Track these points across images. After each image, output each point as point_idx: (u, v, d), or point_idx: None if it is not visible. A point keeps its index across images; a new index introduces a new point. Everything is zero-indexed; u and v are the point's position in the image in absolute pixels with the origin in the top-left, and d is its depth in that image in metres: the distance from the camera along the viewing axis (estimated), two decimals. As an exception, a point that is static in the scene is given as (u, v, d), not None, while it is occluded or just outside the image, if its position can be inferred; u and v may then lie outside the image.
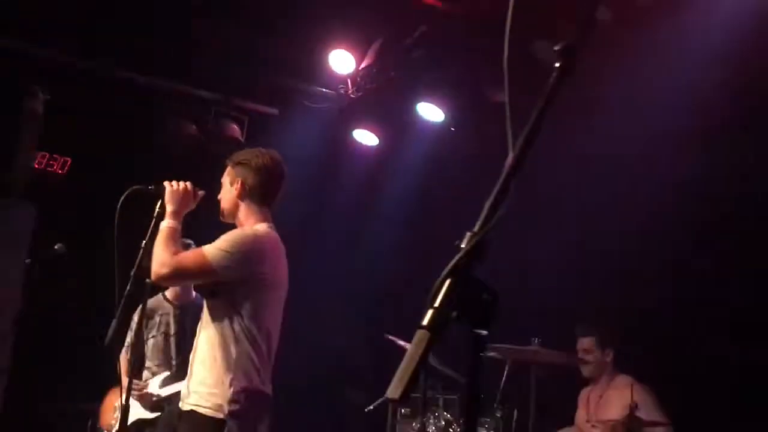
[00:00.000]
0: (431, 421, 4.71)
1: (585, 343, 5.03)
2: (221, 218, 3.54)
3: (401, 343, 4.84)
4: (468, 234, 1.26)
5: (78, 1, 5.51)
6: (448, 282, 1.22)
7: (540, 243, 5.78)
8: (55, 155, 6.63)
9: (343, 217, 6.98)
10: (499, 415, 4.61)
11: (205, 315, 3.38)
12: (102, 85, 6.29)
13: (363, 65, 6.10)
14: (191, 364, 3.38)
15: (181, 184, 3.43)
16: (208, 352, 3.31)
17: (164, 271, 3.26)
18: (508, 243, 6.20)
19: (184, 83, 6.55)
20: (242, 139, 6.56)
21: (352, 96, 6.34)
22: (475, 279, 1.23)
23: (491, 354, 4.83)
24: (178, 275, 3.36)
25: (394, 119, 6.59)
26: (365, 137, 6.79)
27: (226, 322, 3.30)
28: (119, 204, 3.34)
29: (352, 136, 6.80)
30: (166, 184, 3.41)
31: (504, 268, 6.14)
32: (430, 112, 6.19)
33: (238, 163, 3.53)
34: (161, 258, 3.27)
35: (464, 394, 1.24)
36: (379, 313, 6.94)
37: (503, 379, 4.92)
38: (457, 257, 1.23)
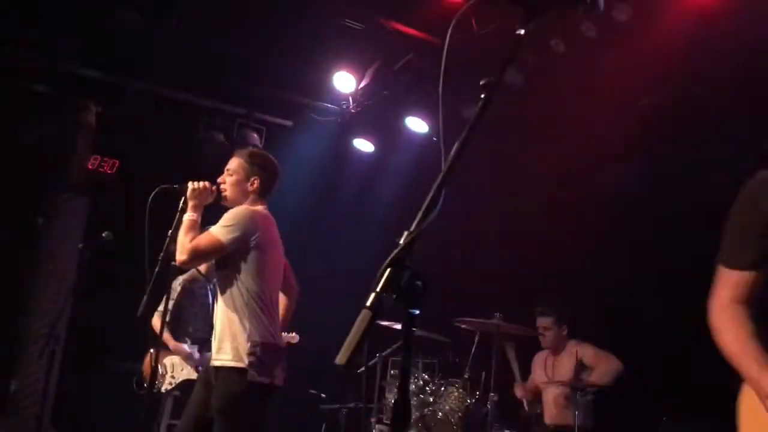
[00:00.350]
0: (411, 381, 4.74)
1: (544, 322, 5.10)
2: (223, 202, 3.56)
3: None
4: (405, 232, 1.30)
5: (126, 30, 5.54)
6: (388, 271, 1.26)
7: (502, 234, 5.80)
8: (105, 158, 6.66)
9: (344, 213, 7.00)
10: (466, 376, 4.64)
11: (220, 282, 3.44)
12: (147, 100, 6.35)
13: (361, 85, 6.14)
14: (215, 327, 3.44)
15: (201, 183, 3.47)
16: (225, 314, 3.37)
17: (184, 256, 3.32)
18: (480, 235, 6.27)
19: (214, 99, 6.59)
20: (261, 146, 6.58)
21: (352, 111, 6.39)
22: (410, 269, 1.27)
23: (463, 326, 4.88)
24: (196, 257, 3.38)
25: (386, 130, 6.62)
26: (363, 145, 6.82)
27: (236, 287, 3.36)
28: (150, 199, 3.38)
29: (353, 144, 6.83)
30: (189, 183, 3.46)
31: (474, 253, 6.21)
32: (417, 124, 6.23)
33: (256, 163, 3.57)
34: (182, 244, 3.34)
35: (402, 362, 1.27)
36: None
37: (473, 347, 4.97)
38: (395, 251, 1.26)
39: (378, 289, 1.24)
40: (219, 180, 3.57)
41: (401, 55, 5.73)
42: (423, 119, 6.14)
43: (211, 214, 3.56)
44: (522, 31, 1.42)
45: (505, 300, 4.93)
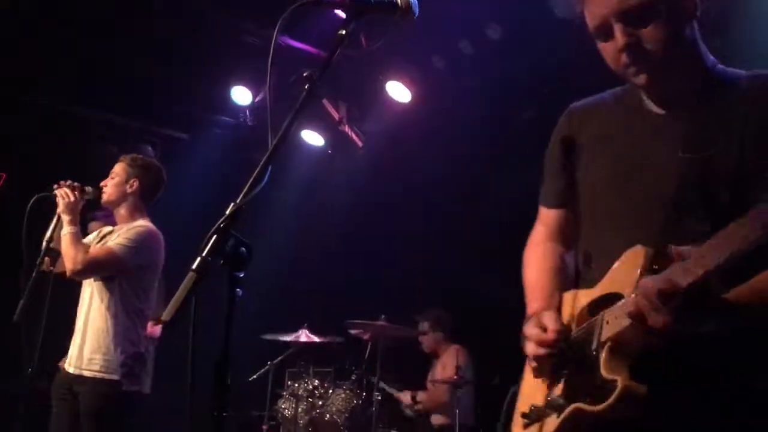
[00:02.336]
0: (302, 385, 4.86)
1: (423, 326, 5.38)
2: (103, 203, 3.61)
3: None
4: (232, 203, 1.46)
5: (12, 39, 5.45)
6: (214, 238, 1.40)
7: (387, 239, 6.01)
8: (-8, 171, 6.45)
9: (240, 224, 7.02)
10: (353, 378, 4.80)
11: (99, 292, 3.45)
12: (38, 113, 6.23)
13: (258, 98, 6.26)
14: (80, 333, 3.45)
15: (66, 188, 3.47)
16: (98, 324, 3.39)
17: (79, 267, 3.33)
18: (368, 241, 6.45)
19: (108, 112, 6.52)
20: (155, 158, 6.55)
21: (249, 124, 6.49)
22: (235, 236, 1.43)
23: (352, 330, 5.04)
24: (91, 269, 3.40)
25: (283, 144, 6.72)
26: (260, 158, 6.89)
27: (118, 299, 3.40)
28: (28, 207, 3.40)
29: (249, 158, 6.90)
30: (58, 196, 3.45)
31: (360, 260, 6.37)
32: (311, 137, 6.41)
33: (136, 165, 3.64)
34: (74, 257, 3.33)
35: (224, 322, 1.41)
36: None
37: (367, 350, 5.13)
38: (221, 220, 1.41)
39: (204, 254, 1.38)
40: (102, 183, 3.63)
41: (295, 70, 5.89)
42: (317, 132, 6.32)
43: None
44: (343, 31, 1.62)
45: (390, 303, 5.13)
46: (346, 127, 6.03)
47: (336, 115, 6.00)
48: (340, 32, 1.61)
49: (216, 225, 1.41)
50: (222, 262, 1.41)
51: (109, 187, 3.59)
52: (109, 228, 3.71)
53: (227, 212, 1.42)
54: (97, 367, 3.33)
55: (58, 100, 6.27)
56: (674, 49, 1.57)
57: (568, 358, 1.61)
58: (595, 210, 1.73)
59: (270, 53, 1.60)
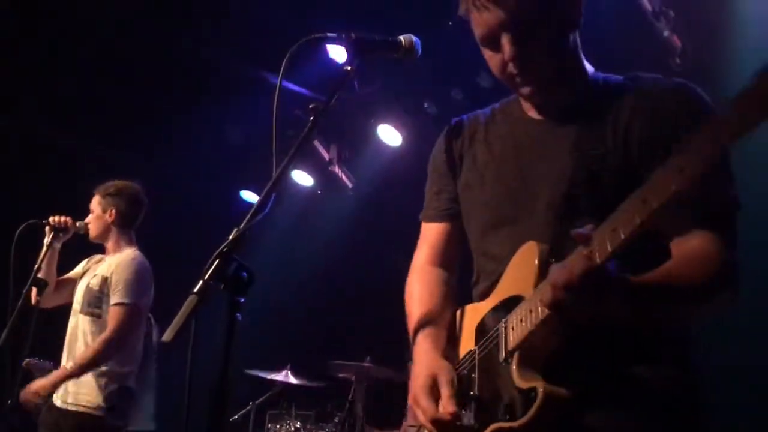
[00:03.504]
0: (284, 427, 4.80)
1: None
2: (91, 239, 3.61)
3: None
4: (235, 229, 1.48)
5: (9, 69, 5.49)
6: (216, 262, 1.42)
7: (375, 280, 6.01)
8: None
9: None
10: (336, 420, 4.75)
11: (87, 326, 3.42)
12: (22, 142, 6.24)
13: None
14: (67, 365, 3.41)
15: (59, 218, 3.49)
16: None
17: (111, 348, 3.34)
18: (355, 281, 6.44)
19: (99, 144, 6.54)
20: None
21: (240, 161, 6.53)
22: (237, 260, 1.44)
23: (340, 374, 5.00)
24: (122, 339, 3.40)
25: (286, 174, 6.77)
26: (250, 197, 6.91)
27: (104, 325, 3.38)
28: (17, 233, 3.38)
29: (240, 196, 6.93)
30: (49, 223, 3.47)
31: (346, 300, 6.33)
32: (302, 178, 6.47)
33: (109, 194, 3.64)
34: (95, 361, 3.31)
35: (222, 343, 1.42)
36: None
37: (351, 392, 5.07)
38: (224, 245, 1.43)
39: (206, 278, 1.39)
40: (86, 220, 3.63)
41: (289, 112, 5.97)
42: (307, 172, 6.38)
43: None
44: (349, 68, 1.68)
45: (376, 344, 5.10)
46: (337, 168, 6.10)
47: (326, 156, 6.07)
48: (345, 68, 1.66)
49: (218, 250, 1.42)
50: (223, 286, 1.42)
51: (91, 223, 3.60)
52: (98, 257, 3.70)
53: (230, 237, 1.44)
54: (82, 401, 3.28)
55: (43, 131, 6.29)
56: (560, 60, 1.58)
57: (471, 383, 1.54)
58: (485, 221, 1.69)
59: (279, 78, 1.64)
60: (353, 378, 5.00)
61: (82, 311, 3.46)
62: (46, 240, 3.45)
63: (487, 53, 1.60)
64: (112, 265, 3.50)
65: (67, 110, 5.99)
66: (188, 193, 6.76)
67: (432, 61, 4.33)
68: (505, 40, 1.52)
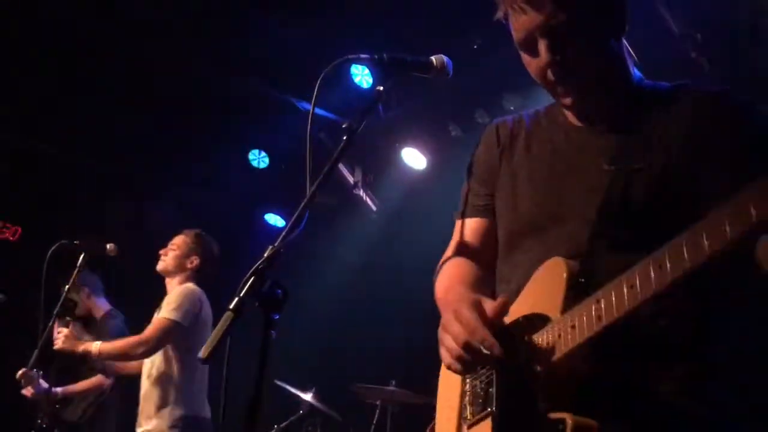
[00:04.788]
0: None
1: None
2: (160, 271, 3.70)
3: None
4: (270, 247, 1.49)
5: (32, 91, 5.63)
6: (251, 280, 1.43)
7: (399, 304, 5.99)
8: (8, 224, 6.53)
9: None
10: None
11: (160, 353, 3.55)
12: (54, 166, 6.37)
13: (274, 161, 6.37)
14: (148, 394, 3.49)
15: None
16: (156, 383, 3.52)
17: (142, 349, 3.48)
18: (379, 305, 6.41)
19: (125, 168, 6.64)
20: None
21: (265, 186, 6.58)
22: (271, 278, 1.45)
23: (367, 400, 4.95)
24: (155, 347, 3.53)
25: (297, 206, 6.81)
26: (274, 220, 6.94)
27: (172, 358, 3.53)
28: (48, 254, 3.46)
29: (264, 219, 6.96)
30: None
31: (370, 324, 6.30)
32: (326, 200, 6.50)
33: (199, 244, 3.75)
34: (133, 346, 3.48)
35: (258, 358, 1.42)
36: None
37: (375, 417, 5.02)
38: (259, 262, 1.45)
39: (241, 295, 1.41)
40: (161, 252, 3.72)
41: (314, 134, 6.03)
42: (332, 194, 6.40)
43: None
44: (381, 88, 1.70)
45: (400, 368, 5.06)
46: (361, 191, 6.12)
47: (351, 179, 6.10)
48: (378, 88, 1.68)
49: (253, 267, 1.43)
50: (258, 303, 1.43)
51: (169, 258, 3.69)
52: None
53: (265, 255, 1.45)
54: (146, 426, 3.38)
55: (76, 155, 6.40)
56: (600, 67, 1.53)
57: (488, 398, 1.45)
58: (513, 227, 1.65)
59: (313, 99, 1.66)
60: (378, 402, 4.95)
61: None
62: (79, 262, 3.53)
63: (526, 58, 1.56)
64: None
65: (97, 135, 6.09)
66: (214, 216, 6.83)
67: (456, 83, 4.35)
68: (542, 46, 1.49)
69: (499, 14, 1.56)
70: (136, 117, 5.94)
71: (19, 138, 6.10)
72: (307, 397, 4.87)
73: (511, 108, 4.85)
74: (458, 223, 1.82)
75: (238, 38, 5.23)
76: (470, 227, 1.77)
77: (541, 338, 1.39)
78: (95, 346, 3.43)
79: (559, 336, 1.35)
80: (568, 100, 1.56)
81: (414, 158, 5.70)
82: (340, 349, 6.29)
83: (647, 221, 1.40)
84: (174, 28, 5.19)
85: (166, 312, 3.48)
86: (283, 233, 1.50)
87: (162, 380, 3.46)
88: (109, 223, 6.49)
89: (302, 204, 1.55)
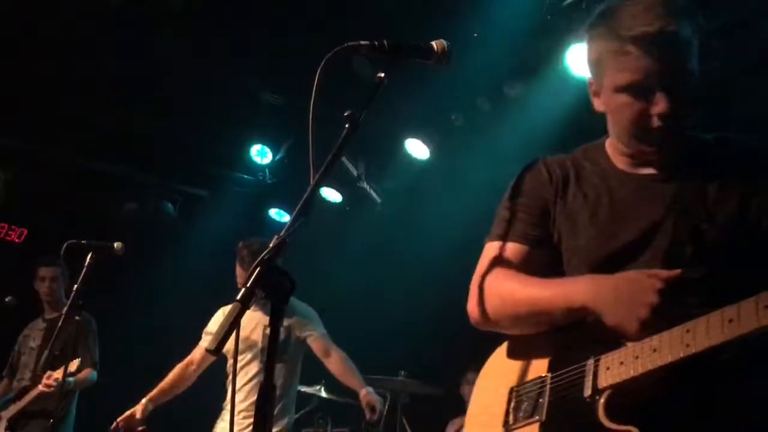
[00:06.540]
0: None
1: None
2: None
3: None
4: (275, 236, 1.48)
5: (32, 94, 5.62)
6: (257, 270, 1.42)
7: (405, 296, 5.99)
8: (14, 226, 6.58)
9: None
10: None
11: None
12: (59, 168, 6.37)
13: (278, 157, 6.37)
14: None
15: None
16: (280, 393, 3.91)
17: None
18: (385, 297, 6.42)
19: (129, 168, 6.65)
20: (175, 216, 6.66)
21: (268, 182, 6.58)
22: (280, 269, 1.44)
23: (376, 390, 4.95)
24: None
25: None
26: (279, 215, 6.96)
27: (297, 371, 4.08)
28: (61, 253, 3.48)
29: (269, 215, 6.97)
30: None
31: (377, 315, 6.31)
32: (331, 194, 6.49)
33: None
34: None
35: (268, 344, 1.42)
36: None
37: (384, 407, 5.03)
38: (265, 252, 1.44)
39: (248, 285, 1.40)
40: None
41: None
42: (335, 189, 6.40)
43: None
44: (383, 74, 1.68)
45: (409, 359, 5.06)
46: (365, 183, 6.10)
47: (355, 172, 6.09)
48: (378, 75, 1.66)
49: (260, 257, 1.42)
50: (265, 294, 1.43)
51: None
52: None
53: (271, 245, 1.44)
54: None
55: (78, 157, 6.41)
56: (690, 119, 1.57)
57: (539, 407, 1.52)
58: (577, 268, 1.63)
59: (314, 87, 1.64)
60: (388, 393, 4.96)
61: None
62: (87, 261, 3.54)
63: (623, 99, 1.52)
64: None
65: (97, 136, 6.09)
66: (217, 212, 6.84)
67: (459, 73, 4.33)
68: (662, 94, 1.47)
69: (594, 54, 1.57)
70: (136, 117, 5.95)
71: (23, 141, 6.11)
72: (315, 389, 4.88)
73: (514, 95, 4.83)
74: (495, 244, 1.75)
75: (239, 38, 5.21)
76: (514, 251, 1.71)
77: (614, 357, 1.44)
78: None
79: (636, 357, 1.40)
80: (653, 149, 1.58)
81: (417, 148, 5.67)
82: (348, 340, 6.29)
83: (715, 265, 1.47)
84: (174, 27, 5.17)
85: (317, 328, 4.10)
86: (290, 222, 1.49)
87: (285, 390, 3.92)
88: (109, 223, 6.49)
89: (307, 192, 1.54)
